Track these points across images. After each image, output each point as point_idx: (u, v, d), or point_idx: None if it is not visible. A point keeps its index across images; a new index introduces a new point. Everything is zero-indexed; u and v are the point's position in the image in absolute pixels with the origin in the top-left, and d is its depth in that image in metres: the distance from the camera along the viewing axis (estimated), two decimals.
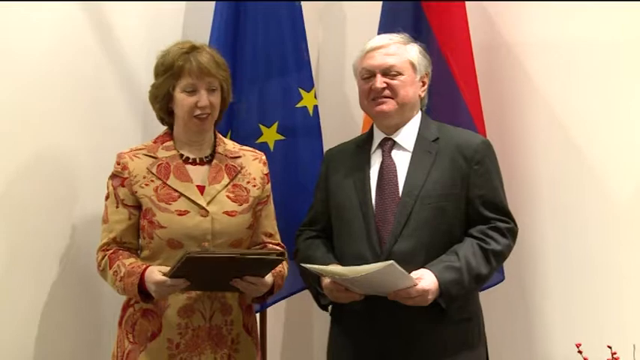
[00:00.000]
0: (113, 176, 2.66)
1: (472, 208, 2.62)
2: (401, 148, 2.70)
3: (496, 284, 3.12)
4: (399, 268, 2.41)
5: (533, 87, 3.24)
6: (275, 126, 3.29)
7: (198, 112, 2.62)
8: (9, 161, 2.76)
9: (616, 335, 2.93)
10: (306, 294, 3.51)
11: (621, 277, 3.05)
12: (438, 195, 2.60)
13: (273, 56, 3.29)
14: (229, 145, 2.77)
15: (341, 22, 3.84)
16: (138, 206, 2.63)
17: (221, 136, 2.80)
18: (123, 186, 2.63)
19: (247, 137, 3.22)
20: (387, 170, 2.67)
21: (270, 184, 2.81)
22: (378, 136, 2.75)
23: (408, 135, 2.71)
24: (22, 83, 2.79)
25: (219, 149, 2.72)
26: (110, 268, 2.60)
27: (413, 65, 2.71)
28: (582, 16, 3.11)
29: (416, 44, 2.76)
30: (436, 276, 2.50)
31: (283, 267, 2.72)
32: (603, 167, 3.08)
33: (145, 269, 2.53)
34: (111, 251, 2.63)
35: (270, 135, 3.30)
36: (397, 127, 2.72)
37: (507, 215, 2.65)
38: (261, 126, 3.29)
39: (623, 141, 3.05)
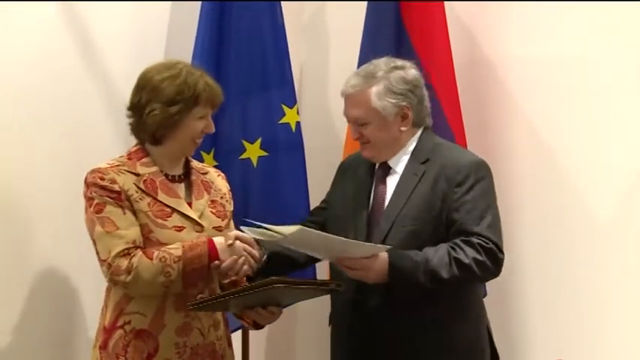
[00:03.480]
0: (102, 188, 2.52)
1: (449, 233, 2.60)
2: (395, 172, 2.72)
3: None
4: (311, 231, 2.50)
5: (514, 103, 3.26)
6: (258, 142, 3.31)
7: (201, 137, 2.64)
8: None
9: (597, 351, 2.96)
10: (289, 309, 3.52)
11: (602, 294, 3.06)
12: (413, 218, 2.61)
13: (256, 72, 3.31)
14: (194, 162, 2.76)
15: (324, 38, 3.85)
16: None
17: None
18: (120, 199, 2.53)
19: (230, 153, 3.23)
20: (378, 195, 2.71)
21: (232, 201, 2.79)
22: None
23: (401, 159, 2.72)
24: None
25: (192, 165, 2.72)
26: (152, 260, 2.46)
27: (377, 112, 2.67)
28: (563, 32, 3.14)
29: (384, 80, 2.68)
30: (390, 260, 2.52)
31: None
32: (584, 183, 3.10)
33: (208, 238, 2.52)
34: (139, 251, 2.49)
35: (254, 151, 3.31)
36: (392, 155, 2.73)
37: (485, 237, 2.58)
38: (245, 142, 3.30)
39: (603, 157, 3.07)
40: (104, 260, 2.50)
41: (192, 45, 3.25)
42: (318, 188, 3.48)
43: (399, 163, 2.71)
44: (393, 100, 2.68)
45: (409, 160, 2.70)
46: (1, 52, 2.79)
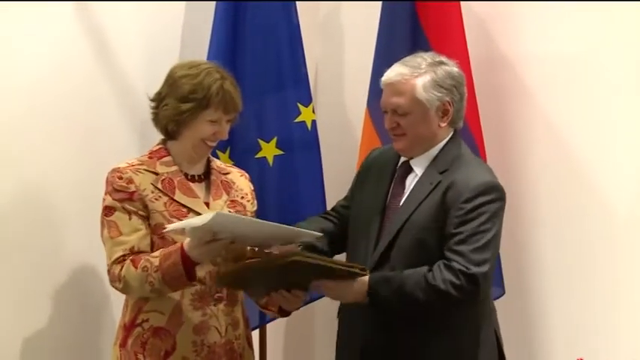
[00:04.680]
0: (115, 191, 2.56)
1: (445, 246, 2.55)
2: (414, 174, 2.68)
3: (496, 299, 3.11)
4: (230, 215, 2.52)
5: (531, 101, 3.24)
6: (274, 141, 3.30)
7: (212, 139, 2.63)
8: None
9: (618, 350, 2.94)
10: (307, 309, 3.52)
11: (621, 292, 3.04)
12: (420, 227, 2.57)
13: (271, 71, 3.31)
14: (217, 162, 2.78)
15: (339, 37, 3.84)
16: (148, 219, 2.59)
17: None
18: (132, 200, 2.56)
19: (246, 152, 3.23)
20: (394, 201, 2.68)
21: (256, 201, 2.81)
22: (402, 157, 2.74)
23: (423, 163, 2.68)
24: (19, 107, 2.81)
25: (213, 165, 2.73)
26: (136, 268, 2.49)
27: (421, 103, 2.63)
28: (580, 29, 3.12)
29: (431, 73, 2.64)
30: (369, 283, 2.52)
31: None
32: (602, 180, 3.08)
33: (181, 244, 2.48)
34: (129, 259, 2.53)
35: (269, 150, 3.31)
36: (421, 153, 2.69)
37: (470, 261, 2.50)
38: (260, 141, 3.30)
39: (621, 154, 3.05)
40: (107, 265, 2.58)
41: (207, 45, 3.24)
42: (334, 187, 3.48)
43: (420, 166, 2.67)
44: (439, 94, 2.64)
45: (429, 166, 2.66)
46: (19, 51, 2.80)
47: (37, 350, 2.87)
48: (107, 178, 2.60)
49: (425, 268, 2.52)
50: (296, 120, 3.34)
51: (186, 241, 2.47)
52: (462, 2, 3.23)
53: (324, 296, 3.20)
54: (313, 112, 3.38)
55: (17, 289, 2.81)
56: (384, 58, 3.31)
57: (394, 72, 2.67)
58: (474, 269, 2.50)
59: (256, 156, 3.28)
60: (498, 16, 3.32)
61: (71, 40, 2.97)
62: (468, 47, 3.21)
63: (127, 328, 2.60)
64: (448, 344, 2.59)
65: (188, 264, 2.47)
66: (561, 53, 3.16)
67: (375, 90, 3.34)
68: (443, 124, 2.66)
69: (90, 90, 3.03)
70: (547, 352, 3.23)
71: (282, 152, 3.32)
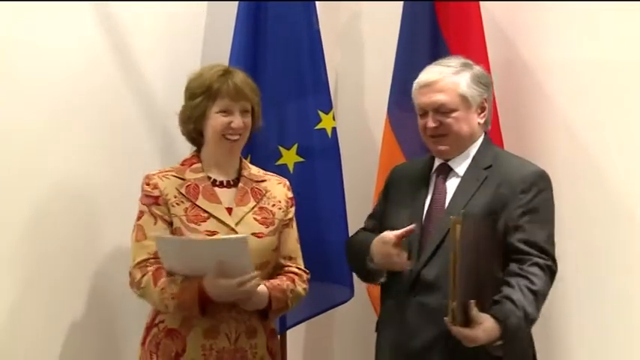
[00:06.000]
0: (144, 197, 2.66)
1: (508, 239, 2.53)
2: (455, 174, 2.67)
3: None
4: (169, 238, 2.56)
5: (551, 104, 3.21)
6: (295, 148, 3.30)
7: (230, 132, 2.66)
8: (30, 190, 2.79)
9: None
10: (326, 317, 3.51)
11: None
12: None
13: (291, 78, 3.31)
14: (254, 169, 2.80)
15: (359, 43, 3.84)
16: (172, 224, 2.64)
17: (245, 161, 2.82)
18: (158, 204, 2.63)
19: (267, 159, 3.23)
20: (438, 197, 2.65)
21: (294, 208, 2.82)
22: (437, 160, 2.72)
23: (463, 161, 2.67)
24: (44, 110, 2.84)
25: (245, 173, 2.75)
26: (155, 286, 2.56)
27: (465, 99, 2.63)
28: (600, 34, 3.09)
29: (469, 70, 2.66)
30: (500, 326, 2.43)
31: (295, 284, 2.73)
32: (624, 186, 3.04)
33: (200, 281, 2.52)
34: (152, 268, 2.58)
35: (290, 157, 3.31)
36: (459, 153, 2.67)
37: (545, 252, 2.52)
38: (281, 148, 3.30)
39: None
40: (130, 266, 2.63)
41: (229, 48, 3.25)
42: (355, 194, 3.48)
43: (461, 166, 2.66)
44: (480, 90, 2.66)
45: (471, 164, 2.65)
46: (41, 55, 2.84)
47: (69, 347, 2.92)
48: (141, 185, 2.69)
49: (522, 283, 2.46)
50: (316, 127, 3.34)
51: (206, 279, 2.51)
52: (481, 2, 3.21)
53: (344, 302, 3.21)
54: (333, 119, 3.38)
55: (50, 287, 2.86)
56: (405, 62, 3.32)
57: (432, 72, 2.67)
58: (552, 264, 2.53)
59: (277, 163, 3.27)
60: (518, 18, 3.30)
61: (92, 43, 3.00)
62: (488, 48, 3.19)
63: (148, 328, 2.68)
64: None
65: (204, 301, 2.53)
66: (581, 59, 3.13)
67: (395, 96, 3.36)
68: (481, 121, 2.67)
69: (112, 93, 3.06)
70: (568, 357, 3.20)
71: (302, 159, 3.31)
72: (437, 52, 3.19)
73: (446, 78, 2.64)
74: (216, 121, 2.66)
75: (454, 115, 2.62)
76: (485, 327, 2.41)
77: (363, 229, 2.87)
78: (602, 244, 3.08)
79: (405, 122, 3.32)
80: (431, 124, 2.64)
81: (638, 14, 2.98)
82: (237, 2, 3.27)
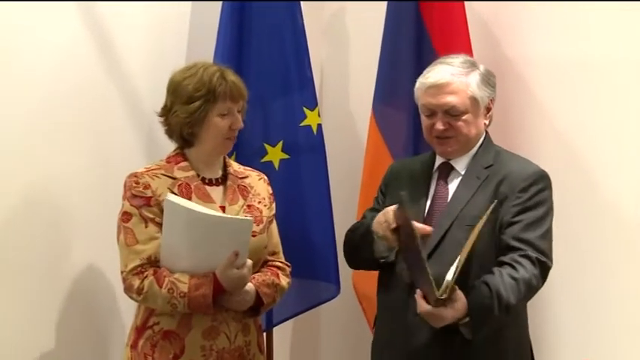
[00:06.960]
0: (133, 197, 2.57)
1: (501, 235, 2.53)
2: (457, 172, 2.66)
3: None
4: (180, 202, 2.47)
5: (535, 102, 3.22)
6: (280, 145, 3.30)
7: (231, 134, 2.64)
8: (5, 194, 2.75)
9: (628, 353, 2.91)
10: (313, 314, 3.52)
11: (634, 298, 3.02)
12: (474, 217, 2.51)
13: (276, 75, 3.30)
14: (235, 165, 2.78)
15: (344, 40, 3.84)
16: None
17: (227, 157, 2.80)
18: (149, 205, 2.57)
19: (252, 156, 3.22)
20: (439, 196, 2.64)
21: (275, 203, 2.81)
22: (439, 159, 2.70)
23: (464, 161, 2.66)
24: (27, 108, 2.81)
25: (230, 170, 2.73)
26: (161, 287, 2.51)
27: (475, 100, 2.60)
28: (585, 31, 3.10)
29: (477, 70, 2.63)
30: (469, 302, 2.43)
31: (279, 278, 2.72)
32: (611, 185, 3.05)
33: (214, 274, 2.51)
34: (151, 272, 2.54)
35: (275, 154, 3.30)
36: (462, 153, 2.66)
37: (537, 248, 2.50)
38: (266, 145, 3.29)
39: (629, 158, 3.01)
40: (122, 271, 2.58)
41: (214, 47, 3.24)
42: (340, 191, 3.48)
43: (462, 165, 2.65)
44: (488, 91, 2.64)
45: (471, 162, 2.64)
46: (24, 53, 2.80)
47: (47, 353, 2.88)
48: (125, 183, 2.61)
49: (505, 270, 2.46)
50: (302, 124, 3.33)
51: (218, 271, 2.50)
52: (465, 2, 3.21)
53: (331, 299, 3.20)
54: (319, 115, 3.37)
55: (26, 291, 2.82)
56: (390, 59, 3.32)
57: (442, 72, 2.61)
58: (544, 259, 2.51)
59: (262, 160, 3.27)
60: (502, 16, 3.30)
61: (76, 41, 2.97)
62: (472, 47, 3.20)
63: (139, 330, 2.62)
64: (496, 345, 2.55)
65: (218, 293, 2.52)
66: (566, 56, 3.14)
67: (380, 93, 3.36)
68: (487, 122, 2.66)
69: (96, 91, 3.04)
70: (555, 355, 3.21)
71: (287, 156, 3.31)
72: (421, 50, 3.20)
73: (457, 80, 2.59)
74: (219, 124, 2.61)
75: (464, 117, 2.60)
76: (454, 306, 2.41)
77: (363, 217, 2.84)
78: (587, 242, 3.10)
79: (390, 118, 3.34)
80: (440, 126, 2.60)
81: (622, 12, 2.99)
82: (221, 2, 3.26)
